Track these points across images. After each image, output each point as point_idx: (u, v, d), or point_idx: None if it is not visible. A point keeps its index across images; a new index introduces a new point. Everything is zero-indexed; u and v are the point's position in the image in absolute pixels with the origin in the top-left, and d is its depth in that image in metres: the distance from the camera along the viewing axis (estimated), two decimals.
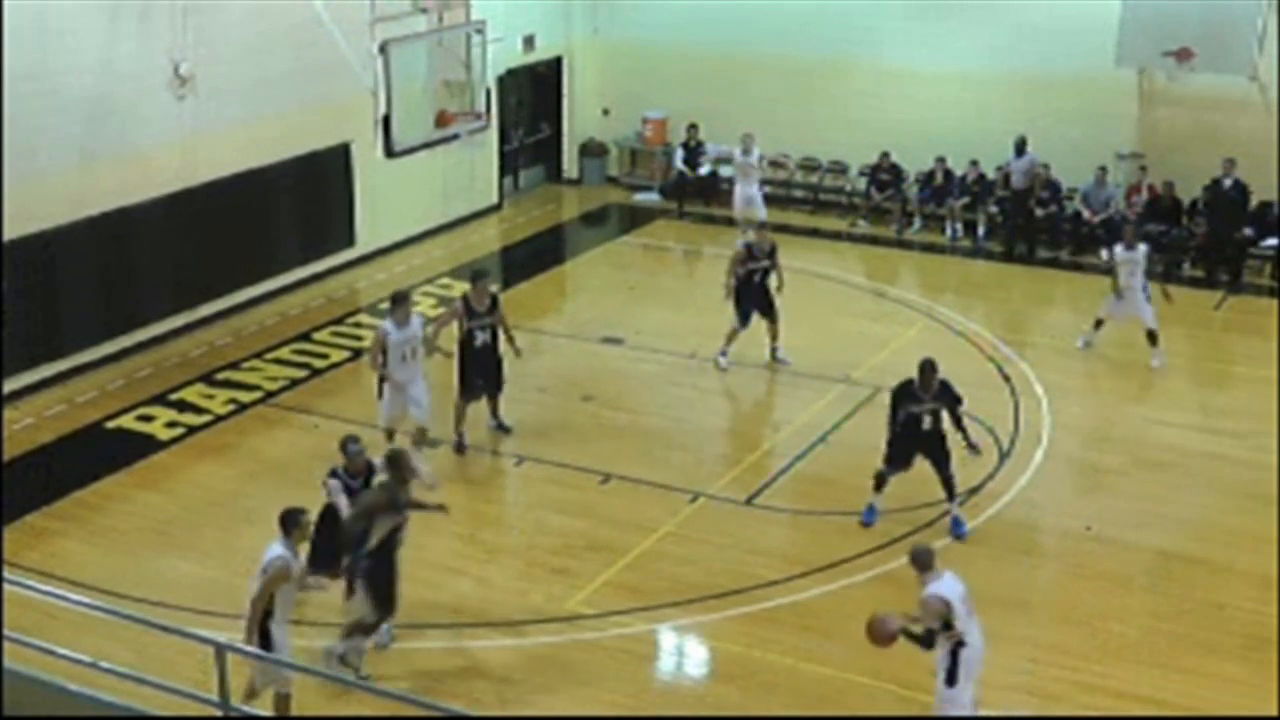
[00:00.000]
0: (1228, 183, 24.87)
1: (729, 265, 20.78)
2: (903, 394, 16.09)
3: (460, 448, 18.32)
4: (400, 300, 17.20)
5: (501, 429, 18.80)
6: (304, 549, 12.65)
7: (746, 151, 26.33)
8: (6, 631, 9.92)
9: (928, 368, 15.91)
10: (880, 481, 16.47)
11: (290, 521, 12.21)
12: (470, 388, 18.32)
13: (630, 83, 30.28)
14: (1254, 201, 24.90)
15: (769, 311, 20.76)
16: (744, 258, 20.62)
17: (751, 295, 20.62)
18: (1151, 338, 20.76)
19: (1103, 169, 25.91)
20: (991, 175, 26.88)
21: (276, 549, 12.04)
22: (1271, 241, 24.81)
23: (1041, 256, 26.13)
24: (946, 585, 12.04)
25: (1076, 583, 15.51)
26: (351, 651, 13.42)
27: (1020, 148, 25.96)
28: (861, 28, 27.62)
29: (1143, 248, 20.78)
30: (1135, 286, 20.64)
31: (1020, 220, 26.30)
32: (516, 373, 20.37)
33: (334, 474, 14.31)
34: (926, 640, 12.01)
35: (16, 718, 9.11)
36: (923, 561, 12.07)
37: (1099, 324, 21.25)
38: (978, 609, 14.57)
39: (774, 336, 20.82)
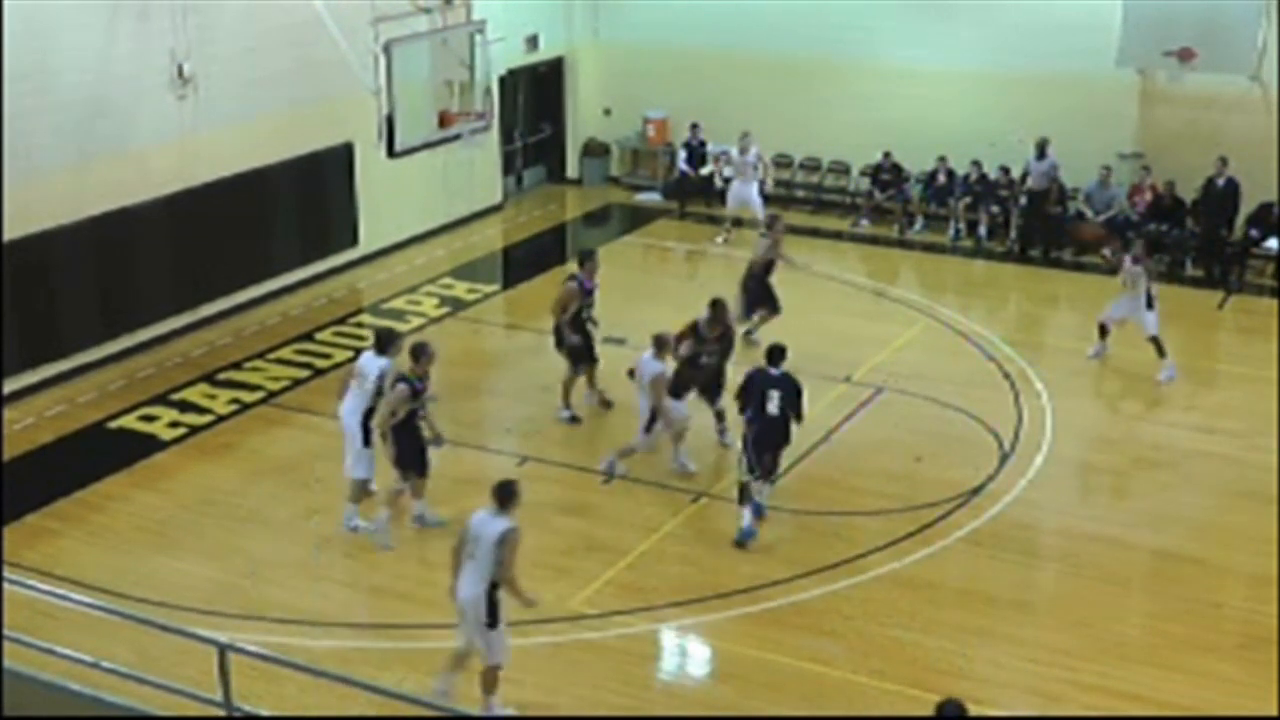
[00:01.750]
0: (1220, 181, 24.88)
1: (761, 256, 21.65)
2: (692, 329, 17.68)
3: (573, 419, 19.30)
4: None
5: (605, 404, 19.60)
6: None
7: (744, 151, 26.45)
8: (7, 631, 9.93)
9: (716, 305, 17.90)
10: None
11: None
12: (586, 360, 19.34)
13: (632, 83, 30.28)
14: (1254, 202, 24.84)
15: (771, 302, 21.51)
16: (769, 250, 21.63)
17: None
18: (1156, 346, 20.54)
19: (1107, 169, 25.90)
20: (993, 175, 26.89)
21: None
22: (1273, 243, 24.80)
23: (1044, 256, 26.12)
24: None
25: (1076, 583, 15.53)
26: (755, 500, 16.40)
27: (1041, 150, 25.87)
28: (863, 28, 27.61)
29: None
30: (1138, 295, 20.50)
31: (1037, 222, 26.29)
32: (518, 372, 20.47)
33: (402, 380, 15.69)
34: None
35: (17, 718, 9.12)
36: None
37: (1104, 331, 21.05)
38: (975, 608, 14.69)
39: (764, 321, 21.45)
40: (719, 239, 26.95)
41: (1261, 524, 16.34)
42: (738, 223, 27.04)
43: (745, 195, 26.58)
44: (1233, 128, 25.09)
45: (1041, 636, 14.38)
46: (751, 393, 16.41)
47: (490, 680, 12.82)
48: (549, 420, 19.09)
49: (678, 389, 17.61)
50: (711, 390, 18.38)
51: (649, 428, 17.40)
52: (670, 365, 17.31)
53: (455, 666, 13.04)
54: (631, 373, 17.80)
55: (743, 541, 16.10)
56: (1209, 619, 14.73)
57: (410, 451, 16.02)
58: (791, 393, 16.35)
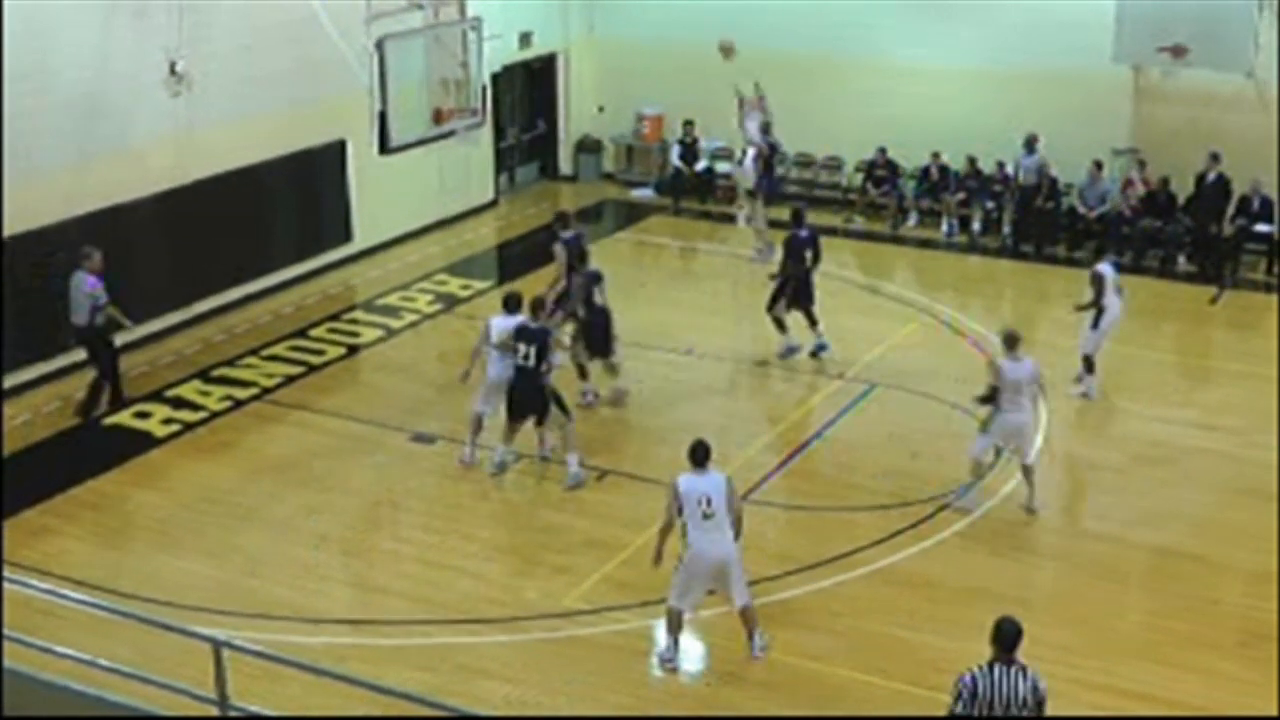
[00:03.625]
0: (1211, 177, 24.87)
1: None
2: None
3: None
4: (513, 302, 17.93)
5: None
6: None
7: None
8: (6, 630, 9.89)
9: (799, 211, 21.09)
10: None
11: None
12: None
13: (626, 79, 30.25)
14: (1256, 201, 24.79)
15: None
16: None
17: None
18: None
19: (1097, 164, 25.89)
20: (988, 171, 26.87)
21: None
22: (1262, 228, 24.74)
23: (1037, 252, 26.11)
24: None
25: (1074, 579, 15.53)
26: None
27: (1030, 145, 25.91)
28: (857, 24, 27.59)
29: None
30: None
31: (1029, 217, 26.28)
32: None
33: (548, 332, 17.43)
34: None
35: (16, 718, 9.09)
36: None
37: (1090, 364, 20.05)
38: (974, 604, 14.65)
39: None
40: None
41: (1260, 521, 16.33)
42: (729, 219, 27.07)
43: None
44: (1227, 124, 25.08)
45: (1040, 633, 14.19)
46: (789, 252, 20.69)
47: (752, 619, 13.86)
48: None
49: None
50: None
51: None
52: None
53: (679, 630, 13.90)
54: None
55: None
56: (1208, 616, 14.72)
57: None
58: (816, 247, 20.80)
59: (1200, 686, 13.52)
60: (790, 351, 20.93)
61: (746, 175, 26.17)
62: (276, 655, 10.52)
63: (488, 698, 13.23)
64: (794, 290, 20.73)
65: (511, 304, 17.77)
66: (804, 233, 20.79)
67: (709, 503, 13.29)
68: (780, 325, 20.93)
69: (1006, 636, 10.46)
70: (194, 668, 11.14)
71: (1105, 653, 14.01)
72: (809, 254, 20.73)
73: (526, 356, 17.03)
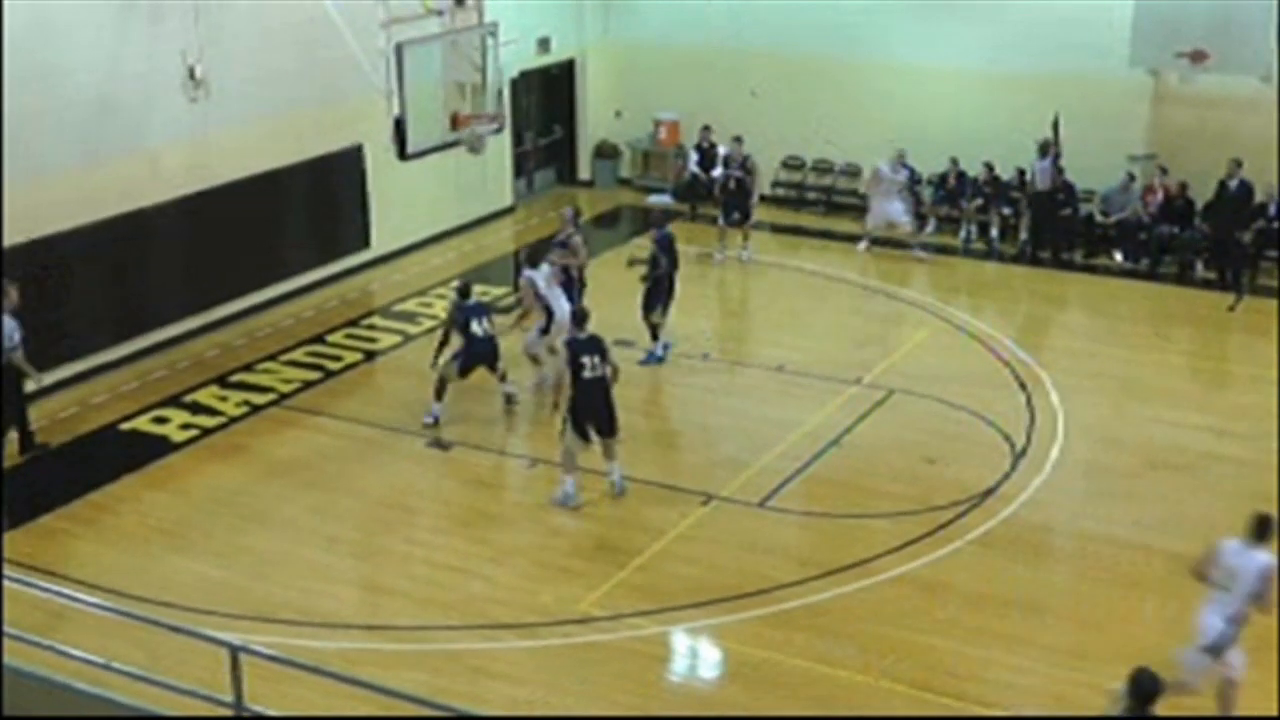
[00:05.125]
0: (1233, 184, 24.74)
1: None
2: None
3: None
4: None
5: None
6: None
7: (895, 170, 26.24)
8: (20, 632, 9.93)
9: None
10: None
11: None
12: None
13: (643, 84, 30.28)
14: (1273, 206, 24.64)
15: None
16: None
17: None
18: None
19: (1131, 175, 25.81)
20: (1006, 177, 26.78)
21: None
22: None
23: (1054, 258, 26.03)
24: None
25: (1089, 585, 15.47)
26: None
27: (1044, 150, 25.80)
28: (874, 28, 27.56)
29: None
30: None
31: (1045, 223, 26.20)
32: (530, 372, 20.33)
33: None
34: None
35: (24, 718, 9.12)
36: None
37: None
38: (990, 610, 14.64)
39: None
40: (861, 247, 26.87)
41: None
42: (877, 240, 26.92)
43: (893, 210, 26.45)
44: (1245, 129, 24.97)
45: (1054, 639, 14.32)
46: (668, 251, 21.29)
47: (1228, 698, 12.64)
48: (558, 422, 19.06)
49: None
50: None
51: None
52: None
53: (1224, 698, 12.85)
54: None
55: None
56: None
57: None
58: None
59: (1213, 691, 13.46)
60: (665, 349, 21.42)
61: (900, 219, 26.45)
62: (292, 660, 10.55)
63: (499, 702, 13.24)
64: (662, 290, 21.49)
65: (535, 257, 20.02)
66: (668, 230, 21.87)
67: (1232, 578, 12.36)
68: (654, 330, 21.41)
69: (1143, 691, 10.30)
70: (199, 667, 11.22)
71: (1118, 658, 13.85)
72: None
73: (594, 367, 16.78)
